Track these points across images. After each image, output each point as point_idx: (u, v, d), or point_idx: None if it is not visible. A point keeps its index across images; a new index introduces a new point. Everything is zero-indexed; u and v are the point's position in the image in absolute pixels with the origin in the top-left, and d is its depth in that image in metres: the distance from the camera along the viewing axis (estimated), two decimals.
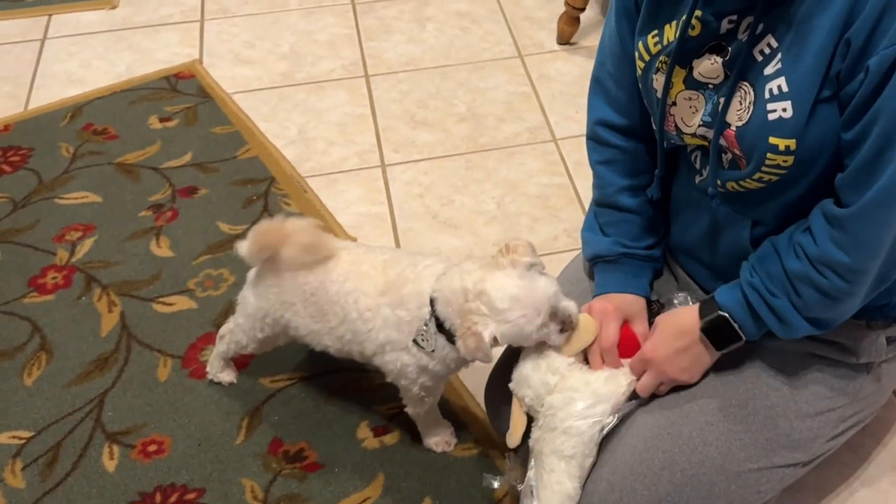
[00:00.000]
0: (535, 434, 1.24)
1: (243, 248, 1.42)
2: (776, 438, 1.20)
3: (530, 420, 1.26)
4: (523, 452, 1.31)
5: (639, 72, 1.20)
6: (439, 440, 1.53)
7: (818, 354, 1.22)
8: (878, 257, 1.05)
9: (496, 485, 1.34)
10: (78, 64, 2.45)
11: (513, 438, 1.26)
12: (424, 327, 1.30)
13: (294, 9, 2.66)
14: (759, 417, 1.20)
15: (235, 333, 1.55)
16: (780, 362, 1.22)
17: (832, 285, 1.07)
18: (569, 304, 1.23)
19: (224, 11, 2.64)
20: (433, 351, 1.31)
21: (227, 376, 1.65)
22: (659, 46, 1.15)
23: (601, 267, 1.34)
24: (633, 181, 1.31)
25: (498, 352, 1.36)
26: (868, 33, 0.96)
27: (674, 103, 1.16)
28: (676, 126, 1.18)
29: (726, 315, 1.15)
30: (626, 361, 1.25)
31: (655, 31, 1.15)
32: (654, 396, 1.24)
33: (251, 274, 1.49)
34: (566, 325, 1.23)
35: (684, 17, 1.09)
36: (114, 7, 2.66)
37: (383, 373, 1.41)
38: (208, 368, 1.66)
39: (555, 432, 1.20)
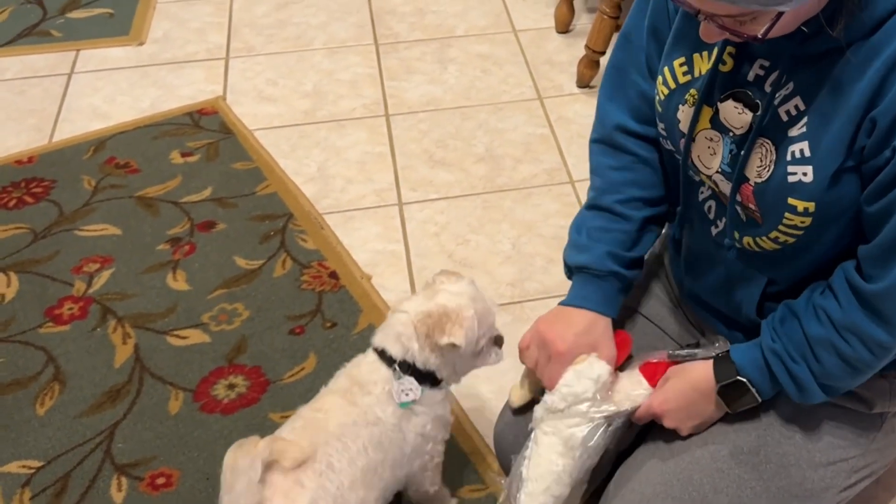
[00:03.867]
0: (538, 412, 1.25)
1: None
2: (788, 487, 1.17)
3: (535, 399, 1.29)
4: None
5: (660, 96, 1.17)
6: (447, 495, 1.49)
7: (832, 403, 1.20)
8: None
9: None
10: (103, 99, 2.49)
11: (514, 398, 1.35)
12: (397, 383, 1.28)
13: (318, 48, 2.69)
14: (771, 465, 1.18)
15: None
16: (793, 410, 1.20)
17: (857, 355, 1.06)
18: (498, 330, 1.36)
19: (249, 50, 2.68)
20: (421, 394, 1.29)
21: None
22: (689, 77, 1.13)
23: (585, 278, 1.28)
24: (643, 193, 1.27)
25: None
26: (894, 115, 0.95)
27: (693, 139, 1.14)
28: (693, 163, 1.17)
29: (745, 381, 1.14)
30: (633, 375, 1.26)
31: (684, 59, 1.13)
32: (661, 433, 1.23)
33: None
34: (499, 342, 1.36)
35: (716, 52, 1.08)
36: (140, 44, 2.71)
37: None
38: None
39: (560, 414, 1.22)
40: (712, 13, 0.94)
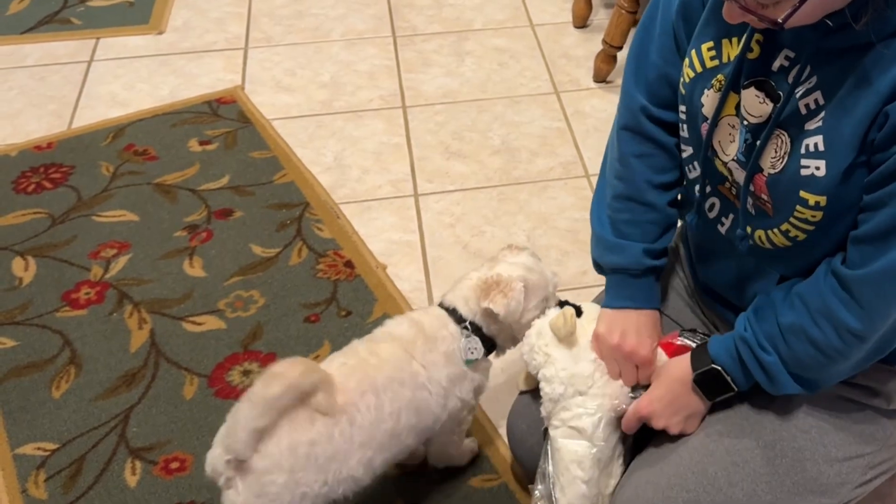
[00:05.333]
0: (545, 409, 1.29)
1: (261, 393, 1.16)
2: (803, 482, 1.17)
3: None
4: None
5: (685, 79, 1.16)
6: (467, 447, 1.53)
7: (848, 398, 1.19)
8: (880, 330, 1.04)
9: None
10: (122, 86, 2.50)
11: (522, 382, 1.40)
12: (464, 341, 1.34)
13: (336, 39, 2.70)
14: (786, 460, 1.17)
15: None
16: (809, 405, 1.19)
17: (827, 341, 1.06)
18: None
19: (268, 40, 2.69)
20: (484, 354, 1.36)
21: None
22: (716, 62, 1.12)
23: (622, 278, 1.29)
24: (662, 178, 1.28)
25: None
26: None
27: (716, 124, 1.14)
28: (714, 148, 1.16)
29: (719, 368, 1.16)
30: None
31: (712, 44, 1.12)
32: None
33: (240, 498, 1.18)
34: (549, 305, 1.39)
35: (744, 39, 1.08)
36: (160, 33, 2.72)
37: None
38: None
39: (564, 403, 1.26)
40: None
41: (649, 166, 1.28)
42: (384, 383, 1.26)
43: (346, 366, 1.27)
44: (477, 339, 1.36)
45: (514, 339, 1.40)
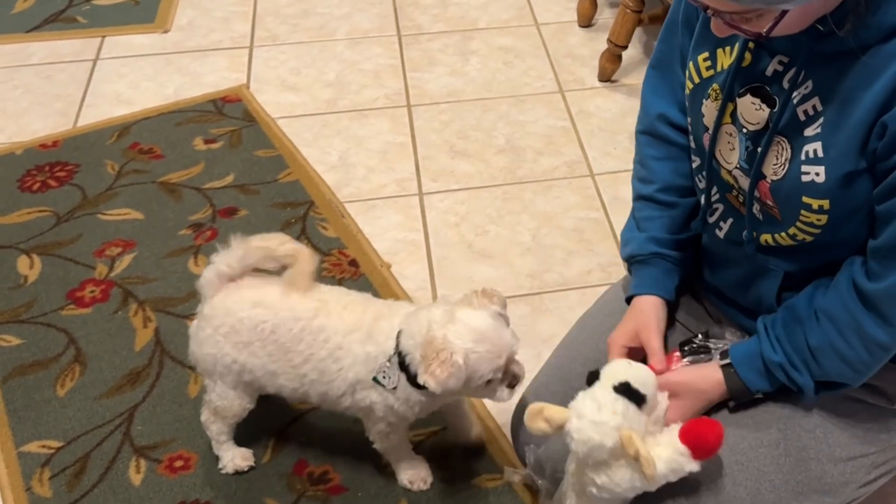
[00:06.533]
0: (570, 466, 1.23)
1: (233, 253, 1.36)
2: (807, 481, 1.17)
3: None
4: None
5: (686, 91, 1.19)
6: (413, 476, 1.49)
7: (853, 397, 1.19)
8: None
9: (516, 479, 1.37)
10: (127, 85, 2.50)
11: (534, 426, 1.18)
12: (387, 363, 1.29)
13: (341, 38, 2.70)
14: (790, 459, 1.17)
15: (210, 402, 1.47)
16: (813, 404, 1.19)
17: (857, 356, 1.08)
18: (521, 367, 1.27)
19: (273, 39, 2.69)
20: (395, 388, 1.29)
21: (244, 460, 1.54)
22: (711, 72, 1.14)
23: (635, 267, 1.32)
24: (682, 181, 1.29)
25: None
26: None
27: (716, 134, 1.15)
28: (717, 158, 1.17)
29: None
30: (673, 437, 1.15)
31: (707, 54, 1.14)
32: None
33: (193, 328, 1.43)
34: (513, 382, 1.26)
35: (738, 48, 1.09)
36: (165, 31, 2.72)
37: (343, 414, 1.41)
38: (220, 464, 1.53)
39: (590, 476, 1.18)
40: (718, 9, 0.96)
41: (671, 169, 1.30)
42: (317, 327, 1.33)
43: (317, 292, 1.37)
44: (395, 372, 1.28)
45: (458, 396, 1.34)
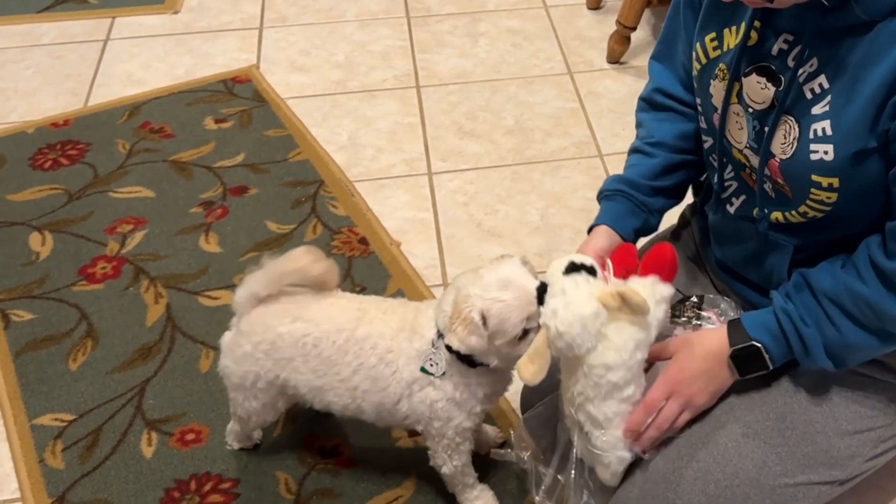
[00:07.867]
0: (575, 397, 1.19)
1: (258, 277, 1.32)
2: (813, 454, 1.18)
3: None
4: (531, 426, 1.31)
5: (694, 72, 1.19)
6: (477, 495, 1.43)
7: (859, 372, 1.20)
8: None
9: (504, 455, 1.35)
10: (138, 65, 2.51)
11: (528, 373, 1.15)
12: (432, 350, 1.27)
13: (350, 20, 2.70)
14: (796, 432, 1.18)
15: (235, 411, 1.45)
16: (820, 377, 1.20)
17: (871, 324, 1.07)
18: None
19: (283, 20, 2.70)
20: (444, 374, 1.27)
21: (250, 441, 1.55)
22: (718, 52, 1.14)
23: (601, 204, 1.32)
24: (670, 139, 1.30)
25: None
26: None
27: (725, 114, 1.16)
28: (727, 137, 1.18)
29: (759, 346, 1.14)
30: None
31: (714, 35, 1.15)
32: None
33: (225, 340, 1.39)
34: (533, 332, 1.20)
35: (744, 27, 1.09)
36: (176, 12, 2.73)
37: (406, 430, 1.38)
38: (227, 438, 1.56)
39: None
40: None
41: (661, 128, 1.31)
42: (362, 336, 1.30)
43: (353, 301, 1.36)
44: (442, 353, 1.26)
45: (503, 360, 1.25)
